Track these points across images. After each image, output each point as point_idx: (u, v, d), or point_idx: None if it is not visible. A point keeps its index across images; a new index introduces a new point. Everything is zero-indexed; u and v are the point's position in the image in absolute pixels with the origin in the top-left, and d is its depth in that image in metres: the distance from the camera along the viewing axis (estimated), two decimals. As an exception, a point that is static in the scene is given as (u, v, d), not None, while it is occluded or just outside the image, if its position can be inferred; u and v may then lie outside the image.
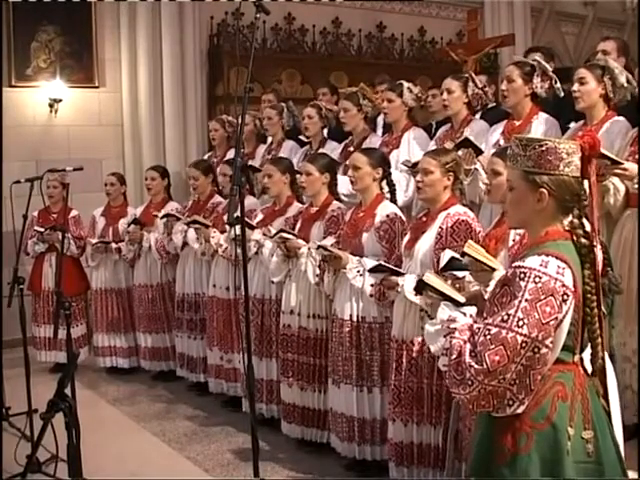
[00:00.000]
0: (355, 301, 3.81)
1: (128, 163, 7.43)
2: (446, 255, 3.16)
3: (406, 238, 3.61)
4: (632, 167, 3.63)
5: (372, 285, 3.70)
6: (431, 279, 2.74)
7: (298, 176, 4.47)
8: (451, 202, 3.48)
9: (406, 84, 4.78)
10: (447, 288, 2.65)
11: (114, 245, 5.84)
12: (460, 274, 3.08)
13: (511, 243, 3.01)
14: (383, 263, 3.57)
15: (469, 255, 2.72)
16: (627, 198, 3.80)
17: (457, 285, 3.07)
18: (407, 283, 3.36)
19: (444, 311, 2.34)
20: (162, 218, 5.47)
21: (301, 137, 5.56)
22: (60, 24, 7.00)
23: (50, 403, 2.60)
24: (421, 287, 2.91)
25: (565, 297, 1.94)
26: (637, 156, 3.72)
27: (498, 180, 3.06)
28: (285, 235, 4.18)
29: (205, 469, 4.13)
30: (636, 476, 3.07)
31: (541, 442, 1.97)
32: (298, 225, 4.34)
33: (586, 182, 2.05)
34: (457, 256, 3.00)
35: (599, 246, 2.07)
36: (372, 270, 3.61)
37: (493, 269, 2.69)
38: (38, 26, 6.92)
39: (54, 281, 5.60)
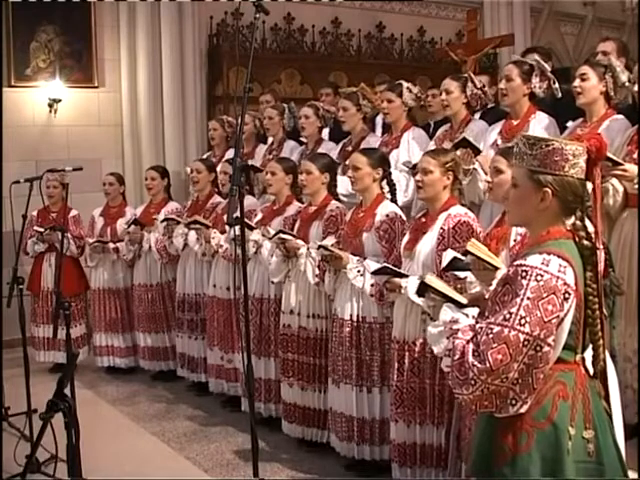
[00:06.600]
0: (355, 301, 3.81)
1: (127, 163, 7.43)
2: (448, 255, 3.14)
3: (405, 239, 3.60)
4: (632, 169, 3.63)
5: (372, 285, 3.70)
6: (433, 281, 2.73)
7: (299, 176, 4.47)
8: (451, 202, 3.47)
9: (405, 84, 4.78)
10: (449, 290, 2.64)
11: (112, 245, 5.84)
12: (462, 274, 3.06)
13: (512, 243, 2.99)
14: (387, 265, 3.56)
15: (472, 253, 2.70)
16: (626, 198, 3.81)
17: (459, 286, 3.06)
18: (410, 285, 3.36)
19: (447, 312, 2.33)
20: (162, 222, 5.47)
21: (302, 139, 5.55)
22: (59, 24, 7.00)
23: (49, 403, 2.59)
24: (423, 289, 2.90)
25: (567, 295, 1.94)
26: (635, 156, 3.72)
27: (500, 178, 3.05)
28: (284, 236, 4.17)
29: (205, 469, 4.12)
30: (636, 476, 3.07)
31: (542, 441, 1.96)
32: (297, 225, 4.35)
33: (590, 185, 2.04)
34: (459, 256, 2.98)
35: (601, 247, 2.06)
36: (376, 272, 3.60)
37: (496, 268, 2.66)
38: (37, 26, 6.92)
39: (53, 281, 5.59)
